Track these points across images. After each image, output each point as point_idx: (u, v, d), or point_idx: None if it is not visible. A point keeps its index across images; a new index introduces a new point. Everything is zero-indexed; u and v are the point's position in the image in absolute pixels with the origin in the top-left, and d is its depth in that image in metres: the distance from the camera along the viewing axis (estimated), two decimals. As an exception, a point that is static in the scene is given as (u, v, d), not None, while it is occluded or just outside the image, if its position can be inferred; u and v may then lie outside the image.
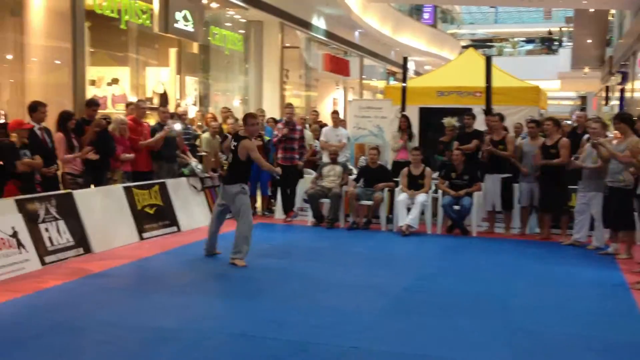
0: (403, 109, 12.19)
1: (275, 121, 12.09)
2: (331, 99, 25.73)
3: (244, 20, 18.04)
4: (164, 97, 14.11)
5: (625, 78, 23.70)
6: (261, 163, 7.93)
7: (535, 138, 9.70)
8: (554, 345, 5.02)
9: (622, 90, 21.56)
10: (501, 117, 10.27)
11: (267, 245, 8.73)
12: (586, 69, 30.59)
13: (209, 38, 15.86)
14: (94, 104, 9.12)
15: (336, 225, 10.38)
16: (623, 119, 8.11)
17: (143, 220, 8.98)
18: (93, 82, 12.83)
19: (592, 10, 22.86)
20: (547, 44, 36.88)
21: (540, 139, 9.67)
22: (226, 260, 7.70)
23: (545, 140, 9.51)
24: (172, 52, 14.84)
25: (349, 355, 4.72)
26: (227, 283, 6.87)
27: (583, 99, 37.16)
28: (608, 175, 8.23)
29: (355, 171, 11.16)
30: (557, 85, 33.91)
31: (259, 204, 11.46)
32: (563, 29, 36.09)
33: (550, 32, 38.29)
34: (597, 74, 31.07)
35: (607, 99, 27.83)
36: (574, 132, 10.54)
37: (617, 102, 21.74)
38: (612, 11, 26.92)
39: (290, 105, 11.49)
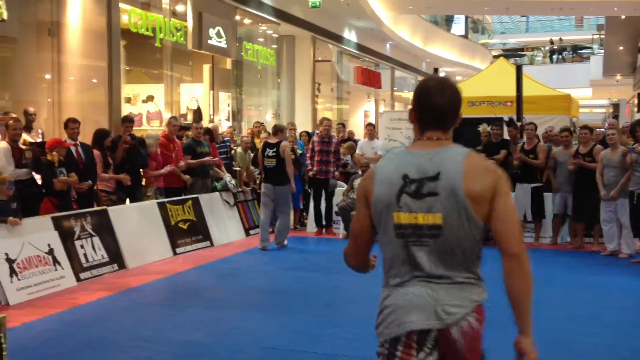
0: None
1: (308, 135, 12.18)
2: (362, 112, 25.79)
3: (276, 35, 18.27)
4: (197, 113, 14.35)
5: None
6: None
7: (569, 147, 9.61)
8: (588, 356, 4.97)
9: (657, 97, 21.20)
10: (514, 126, 10.38)
11: (299, 258, 8.79)
12: (618, 76, 30.11)
13: (241, 53, 16.09)
14: (127, 120, 9.31)
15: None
16: None
17: (176, 235, 9.11)
18: (129, 100, 13.11)
19: (623, 17, 22.56)
20: (577, 52, 36.54)
21: (573, 147, 9.58)
22: (258, 274, 7.77)
23: (579, 148, 9.42)
24: (206, 68, 15.08)
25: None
26: (260, 296, 6.94)
27: (615, 106, 36.53)
28: (632, 183, 8.12)
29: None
30: (589, 93, 33.44)
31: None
32: (595, 36, 35.63)
33: (551, 42, 37.80)
34: (630, 80, 30.55)
35: (639, 105, 27.36)
36: (604, 140, 10.41)
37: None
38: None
39: (327, 119, 11.61)
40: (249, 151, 11.12)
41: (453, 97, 2.33)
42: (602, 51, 30.16)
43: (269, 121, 17.31)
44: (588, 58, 33.93)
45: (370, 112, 25.91)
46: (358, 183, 1.97)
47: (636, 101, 28.57)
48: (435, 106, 2.31)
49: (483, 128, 10.87)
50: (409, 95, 28.91)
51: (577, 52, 36.99)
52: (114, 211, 8.25)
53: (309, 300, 6.68)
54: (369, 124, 12.66)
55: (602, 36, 30.55)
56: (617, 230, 8.87)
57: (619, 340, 5.37)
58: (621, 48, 27.01)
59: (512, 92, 11.94)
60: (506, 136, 10.58)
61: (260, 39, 17.57)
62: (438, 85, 2.34)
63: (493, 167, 2.31)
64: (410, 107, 2.41)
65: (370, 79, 23.80)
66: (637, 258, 8.54)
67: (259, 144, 11.26)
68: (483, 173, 2.25)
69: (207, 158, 10.00)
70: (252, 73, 17.38)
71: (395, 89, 27.51)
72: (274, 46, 18.15)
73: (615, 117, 30.66)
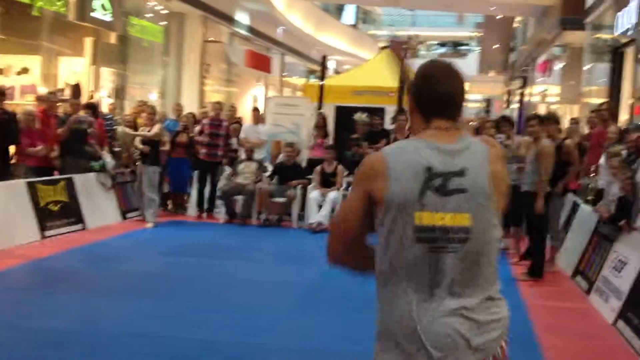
0: (320, 107, 12.37)
1: (194, 117, 12.00)
2: (251, 96, 25.70)
3: (165, 12, 17.79)
4: (76, 89, 13.77)
5: (525, 83, 24.92)
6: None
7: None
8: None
9: (522, 94, 22.76)
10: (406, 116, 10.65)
11: (177, 243, 8.71)
12: (491, 73, 31.95)
13: (127, 28, 15.56)
14: (-2, 93, 8.77)
15: (248, 222, 10.44)
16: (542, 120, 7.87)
17: (46, 217, 8.59)
18: (1, 71, 12.38)
19: (499, 16, 23.91)
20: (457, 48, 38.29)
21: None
22: (133, 259, 7.64)
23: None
24: (88, 41, 14.48)
25: (254, 352, 4.81)
26: (132, 281, 6.75)
27: (488, 101, 38.59)
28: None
29: (270, 168, 11.25)
30: (466, 88, 35.15)
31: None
32: (473, 34, 37.44)
33: (409, 38, 39.57)
34: (501, 78, 32.47)
35: (508, 102, 29.15)
36: (476, 133, 11.01)
37: (518, 106, 22.89)
38: (518, 18, 28.13)
39: (218, 103, 11.50)
40: (131, 130, 10.81)
41: (461, 83, 2.13)
42: (479, 49, 31.75)
43: (154, 100, 16.91)
44: (466, 54, 35.62)
45: (258, 97, 25.87)
46: (357, 170, 1.75)
47: (506, 97, 30.35)
48: (444, 93, 2.08)
49: (358, 117, 11.20)
50: (298, 81, 29.14)
51: (457, 48, 38.68)
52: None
53: (185, 285, 6.63)
54: (255, 109, 12.66)
55: (480, 34, 32.12)
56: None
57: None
58: (496, 46, 28.57)
59: (394, 84, 12.35)
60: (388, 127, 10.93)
61: (148, 15, 17.05)
62: (445, 70, 2.11)
63: (505, 169, 2.11)
64: (408, 94, 2.19)
65: (260, 63, 23.72)
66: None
67: (141, 123, 10.98)
68: (502, 170, 2.07)
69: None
70: (138, 50, 16.86)
71: (285, 74, 27.59)
72: (163, 23, 17.69)
73: (487, 112, 32.38)
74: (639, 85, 12.24)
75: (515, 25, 29.89)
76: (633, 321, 5.40)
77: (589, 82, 16.30)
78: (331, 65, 29.34)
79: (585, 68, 16.49)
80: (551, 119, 8.05)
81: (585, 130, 10.68)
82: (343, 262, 2.18)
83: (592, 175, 7.97)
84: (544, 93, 25.40)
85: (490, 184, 2.00)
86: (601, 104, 9.37)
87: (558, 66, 20.91)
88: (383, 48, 16.69)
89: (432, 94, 2.08)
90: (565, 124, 11.81)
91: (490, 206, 2.00)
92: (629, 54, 13.34)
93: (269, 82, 26.70)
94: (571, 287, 7.24)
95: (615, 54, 14.29)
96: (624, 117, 12.37)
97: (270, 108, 12.62)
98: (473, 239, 1.97)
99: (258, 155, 11.28)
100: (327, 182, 10.32)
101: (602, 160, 7.72)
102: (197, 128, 11.11)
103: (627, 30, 12.73)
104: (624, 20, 12.79)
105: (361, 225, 2.06)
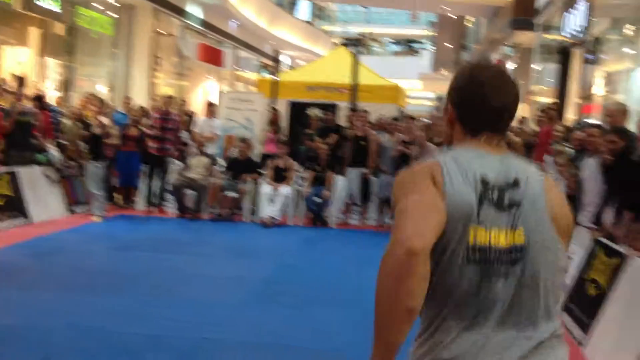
0: (274, 102, 12.33)
1: (144, 110, 11.79)
2: (203, 90, 25.42)
3: (115, 4, 17.42)
4: (21, 80, 13.34)
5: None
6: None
7: (394, 134, 10.17)
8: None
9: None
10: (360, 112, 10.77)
11: (126, 237, 8.55)
12: (444, 71, 32.46)
13: (75, 19, 15.17)
14: None
15: (199, 216, 10.33)
16: None
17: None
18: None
19: (452, 16, 24.29)
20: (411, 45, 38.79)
21: (398, 135, 10.15)
22: (81, 253, 7.45)
23: (403, 137, 10.00)
24: (34, 32, 14.06)
25: (202, 347, 4.75)
26: (80, 277, 6.58)
27: (441, 99, 39.22)
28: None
29: (222, 163, 11.15)
30: (419, 86, 35.63)
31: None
32: (427, 32, 37.97)
33: (363, 35, 39.97)
34: (454, 76, 32.97)
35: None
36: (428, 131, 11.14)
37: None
38: (471, 18, 28.64)
39: (169, 96, 11.33)
40: (78, 123, 10.55)
41: (516, 93, 1.81)
42: (433, 47, 32.21)
43: (103, 93, 16.55)
44: (419, 52, 36.11)
45: (211, 91, 25.61)
46: (402, 177, 1.53)
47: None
48: (497, 107, 1.77)
49: (313, 112, 11.23)
50: (251, 75, 28.95)
51: (410, 46, 39.16)
52: None
53: (135, 280, 6.51)
54: (209, 103, 12.54)
55: (434, 33, 32.57)
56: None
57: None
58: (449, 45, 29.01)
59: (348, 80, 12.39)
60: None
61: (98, 6, 16.67)
62: (498, 78, 1.79)
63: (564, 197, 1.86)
64: (446, 102, 1.86)
65: (212, 57, 23.48)
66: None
67: (89, 116, 10.74)
68: (562, 198, 1.83)
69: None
70: (87, 41, 16.46)
71: (238, 68, 27.37)
72: (112, 14, 17.31)
73: (440, 109, 32.86)
74: (585, 86, 12.58)
75: (467, 24, 30.42)
76: (574, 312, 5.59)
77: (538, 82, 16.69)
78: (285, 60, 29.27)
79: (534, 68, 16.85)
80: None
81: (535, 128, 10.90)
82: (418, 304, 1.58)
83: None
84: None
85: (546, 198, 1.74)
86: (549, 104, 9.58)
87: (509, 65, 21.32)
88: (337, 45, 16.76)
89: (482, 106, 1.77)
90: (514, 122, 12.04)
91: (549, 223, 1.73)
92: (577, 54, 13.70)
93: (222, 77, 26.44)
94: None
95: (564, 54, 14.67)
96: (571, 116, 12.70)
97: (223, 103, 12.51)
98: (529, 259, 1.70)
99: (210, 149, 11.17)
100: (280, 176, 10.28)
101: (549, 157, 7.91)
102: (147, 121, 10.92)
103: (575, 31, 13.06)
104: (572, 22, 13.12)
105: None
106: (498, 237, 1.69)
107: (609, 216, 5.82)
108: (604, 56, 12.25)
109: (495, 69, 1.83)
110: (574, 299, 5.72)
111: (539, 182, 1.76)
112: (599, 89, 12.36)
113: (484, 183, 1.70)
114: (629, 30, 10.76)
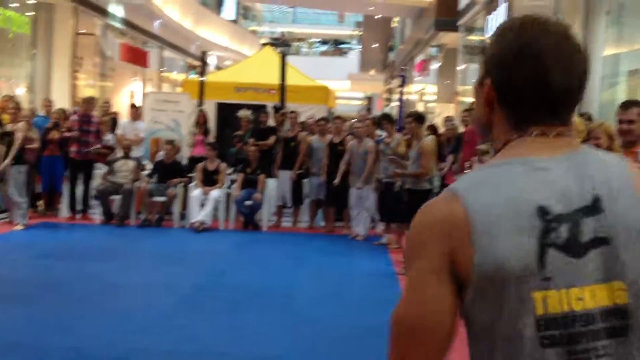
0: (201, 103, 12.13)
1: (65, 113, 11.37)
2: (128, 91, 24.80)
3: (33, 2, 16.74)
4: None
5: (404, 81, 25.85)
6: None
7: (324, 135, 10.18)
8: (331, 332, 5.32)
9: (402, 93, 23.61)
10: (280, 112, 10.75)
11: (49, 245, 8.21)
12: (372, 72, 32.92)
13: (-11, 19, 14.48)
14: None
15: (127, 222, 10.04)
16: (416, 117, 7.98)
17: None
18: None
19: (378, 16, 24.63)
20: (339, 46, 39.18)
21: (328, 136, 10.16)
22: (2, 262, 7.10)
23: (333, 138, 10.02)
24: (-57, 31, 13.34)
25: (129, 358, 4.62)
26: (2, 287, 6.27)
27: (370, 99, 39.74)
28: (380, 171, 8.88)
29: (149, 166, 10.88)
30: (347, 86, 35.99)
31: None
32: (354, 33, 38.43)
33: (283, 34, 40.07)
34: (382, 76, 33.52)
35: (389, 100, 30.14)
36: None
37: (397, 104, 23.74)
38: (396, 19, 29.13)
39: (90, 98, 10.96)
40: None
41: (583, 70, 1.22)
42: (360, 47, 32.60)
43: (21, 95, 15.87)
44: (347, 53, 36.47)
45: (136, 92, 25.01)
46: (411, 228, 1.20)
47: (386, 95, 31.36)
48: (561, 87, 1.19)
49: (243, 114, 11.12)
50: (178, 76, 28.48)
51: (338, 46, 39.49)
52: None
53: (57, 290, 6.24)
54: (133, 105, 12.21)
55: (361, 33, 32.97)
56: (364, 215, 9.61)
57: (360, 317, 5.82)
58: (375, 45, 29.40)
59: (276, 81, 12.32)
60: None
61: (14, 5, 15.96)
62: (562, 44, 1.19)
63: None
64: (484, 77, 1.26)
65: (136, 57, 22.93)
66: (377, 240, 9.31)
67: (7, 120, 10.25)
68: None
69: None
70: (3, 41, 15.74)
71: (163, 69, 26.85)
72: (30, 13, 16.62)
73: (369, 109, 33.28)
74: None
75: (393, 25, 30.89)
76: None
77: (463, 82, 17.08)
78: (212, 60, 28.90)
79: (459, 68, 17.26)
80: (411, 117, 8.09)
81: (461, 128, 11.13)
82: None
83: (466, 171, 8.31)
84: (422, 92, 26.40)
85: None
86: (473, 104, 9.80)
87: (434, 66, 21.78)
88: (265, 45, 16.66)
89: (539, 87, 1.18)
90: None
91: None
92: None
93: (147, 77, 25.86)
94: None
95: (486, 55, 15.05)
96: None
97: (148, 104, 12.21)
98: (636, 326, 1.12)
99: (136, 153, 10.88)
100: (210, 180, 10.11)
101: (474, 158, 8.09)
102: (68, 124, 10.53)
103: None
104: (494, 23, 13.50)
105: (453, 322, 1.16)
106: (584, 299, 1.11)
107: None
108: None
109: (557, 30, 1.20)
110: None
111: (629, 186, 1.17)
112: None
113: (544, 216, 1.11)
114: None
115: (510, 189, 1.14)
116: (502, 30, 1.25)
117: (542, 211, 1.11)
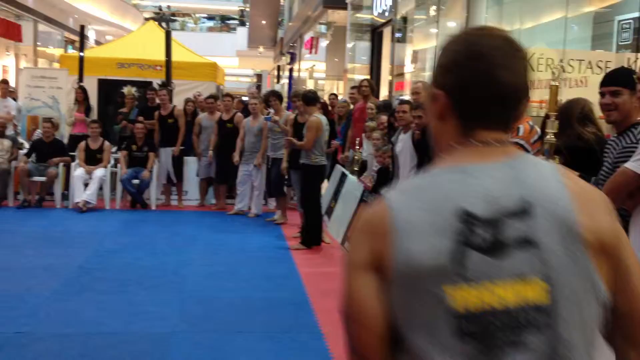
0: (80, 80, 11.59)
1: None
2: (1, 66, 23.28)
3: None
4: None
5: (293, 59, 25.88)
6: None
7: (213, 113, 10.05)
8: (222, 309, 5.32)
9: (291, 70, 23.65)
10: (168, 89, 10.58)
11: None
12: (261, 48, 32.70)
13: None
14: None
15: (4, 204, 9.51)
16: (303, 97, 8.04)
17: None
18: None
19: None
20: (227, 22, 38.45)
21: (217, 113, 10.04)
22: None
23: (222, 115, 9.91)
24: None
25: (12, 342, 4.42)
26: None
27: (259, 76, 39.52)
28: (269, 149, 8.92)
29: (26, 145, 10.32)
30: (235, 63, 35.50)
31: None
32: (241, 8, 37.88)
33: (160, 8, 38.91)
34: (271, 53, 33.39)
35: (278, 77, 30.10)
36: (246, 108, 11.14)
37: (287, 81, 23.76)
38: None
39: None
40: None
41: (526, 70, 1.27)
42: (248, 24, 32.22)
43: None
44: (235, 29, 35.88)
45: (9, 68, 23.51)
46: (358, 223, 1.27)
47: (276, 72, 31.29)
48: (500, 88, 1.23)
49: (128, 90, 10.79)
50: (55, 51, 27.00)
51: (225, 22, 38.82)
52: None
53: None
54: (3, 81, 11.48)
55: (248, 9, 32.57)
56: (249, 192, 9.61)
57: (251, 292, 5.85)
58: (264, 22, 29.16)
59: (162, 57, 11.97)
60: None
61: None
62: (503, 48, 1.25)
63: (598, 191, 1.29)
64: (432, 87, 1.31)
65: (9, 31, 21.51)
66: (269, 217, 9.35)
67: None
68: (597, 202, 1.25)
69: None
70: None
71: (38, 44, 25.36)
72: None
73: (259, 86, 33.14)
74: (396, 63, 13.28)
75: (281, 2, 30.73)
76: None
77: (352, 60, 17.31)
78: (91, 35, 27.61)
79: (348, 46, 17.46)
80: (297, 97, 8.31)
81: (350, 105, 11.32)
82: None
83: (357, 147, 8.49)
84: (312, 69, 26.53)
85: (580, 224, 1.18)
86: (361, 81, 9.97)
87: (323, 43, 21.90)
88: (148, 20, 16.10)
89: (486, 86, 1.23)
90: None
91: (587, 262, 1.18)
92: (387, 34, 14.41)
93: (21, 52, 24.37)
94: (341, 254, 7.67)
95: (375, 33, 15.35)
96: (384, 92, 13.36)
97: (23, 80, 11.54)
98: (557, 325, 1.16)
99: (9, 131, 10.27)
100: (93, 159, 9.73)
101: (364, 135, 8.27)
102: None
103: (384, 11, 13.73)
104: (381, 2, 13.77)
105: (382, 310, 1.19)
106: (503, 296, 1.14)
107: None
108: (412, 35, 12.97)
109: (499, 34, 1.28)
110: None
111: (562, 194, 1.20)
112: (408, 66, 13.10)
113: (467, 218, 1.16)
114: (433, 11, 11.49)
115: (435, 192, 1.19)
116: (447, 44, 1.30)
117: (465, 214, 1.16)
